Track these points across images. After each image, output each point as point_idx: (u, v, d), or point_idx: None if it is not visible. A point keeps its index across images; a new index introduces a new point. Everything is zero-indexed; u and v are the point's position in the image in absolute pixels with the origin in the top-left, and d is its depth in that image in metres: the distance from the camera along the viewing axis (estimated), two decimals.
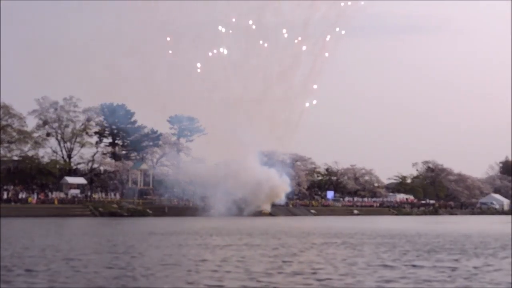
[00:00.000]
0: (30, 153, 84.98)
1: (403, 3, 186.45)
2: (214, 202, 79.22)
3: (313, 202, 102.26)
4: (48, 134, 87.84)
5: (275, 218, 74.71)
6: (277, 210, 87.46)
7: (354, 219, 72.58)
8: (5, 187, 75.20)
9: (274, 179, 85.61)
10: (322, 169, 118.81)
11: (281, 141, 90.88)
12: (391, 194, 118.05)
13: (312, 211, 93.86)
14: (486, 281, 15.65)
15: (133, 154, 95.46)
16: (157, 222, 53.46)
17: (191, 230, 39.30)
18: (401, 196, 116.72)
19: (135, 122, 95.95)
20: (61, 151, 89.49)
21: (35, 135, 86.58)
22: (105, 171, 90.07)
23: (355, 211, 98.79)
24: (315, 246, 26.54)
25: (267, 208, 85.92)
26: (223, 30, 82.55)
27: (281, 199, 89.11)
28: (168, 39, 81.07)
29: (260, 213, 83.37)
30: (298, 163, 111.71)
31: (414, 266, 18.76)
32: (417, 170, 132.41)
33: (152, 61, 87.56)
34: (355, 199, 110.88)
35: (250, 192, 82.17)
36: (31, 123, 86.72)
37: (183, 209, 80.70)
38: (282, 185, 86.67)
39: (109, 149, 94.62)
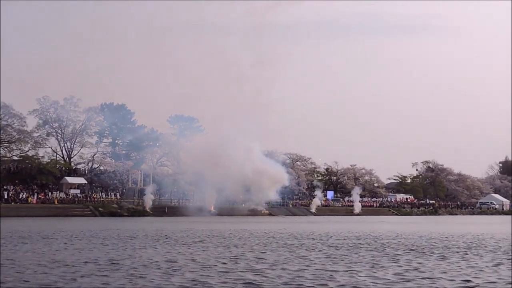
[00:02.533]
0: (30, 153, 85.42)
1: (402, 3, 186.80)
2: (204, 199, 79.15)
3: None
4: (48, 134, 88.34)
5: (271, 218, 74.28)
6: (276, 210, 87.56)
7: (348, 219, 72.43)
8: (5, 187, 75.45)
9: (257, 156, 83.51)
10: (322, 169, 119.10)
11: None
12: (391, 194, 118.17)
13: (312, 211, 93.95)
14: None
15: (133, 154, 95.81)
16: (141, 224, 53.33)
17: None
18: (401, 196, 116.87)
19: (135, 122, 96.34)
20: (61, 151, 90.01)
21: (35, 135, 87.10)
22: (105, 171, 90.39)
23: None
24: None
25: (262, 206, 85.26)
26: None
27: (282, 184, 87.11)
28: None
29: (260, 213, 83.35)
30: (298, 163, 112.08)
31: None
32: (417, 170, 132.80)
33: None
34: None
35: (237, 179, 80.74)
36: (31, 123, 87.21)
37: (183, 209, 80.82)
38: (275, 171, 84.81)
39: (109, 149, 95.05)
